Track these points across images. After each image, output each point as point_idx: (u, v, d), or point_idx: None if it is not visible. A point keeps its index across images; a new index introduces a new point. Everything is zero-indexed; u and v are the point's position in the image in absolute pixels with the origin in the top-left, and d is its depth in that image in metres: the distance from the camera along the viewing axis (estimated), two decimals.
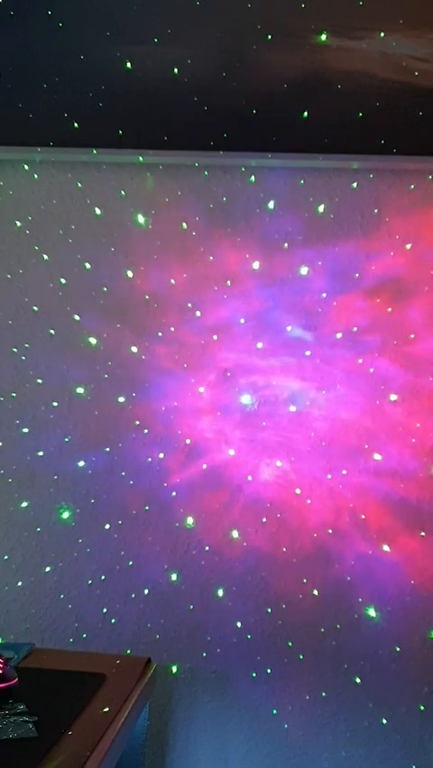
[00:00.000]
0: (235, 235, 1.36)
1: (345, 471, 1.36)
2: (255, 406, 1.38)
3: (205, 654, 1.39)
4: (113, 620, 1.40)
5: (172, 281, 1.37)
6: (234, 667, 1.39)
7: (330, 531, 1.36)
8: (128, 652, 1.38)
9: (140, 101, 1.31)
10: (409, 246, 1.34)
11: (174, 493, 1.38)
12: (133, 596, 1.39)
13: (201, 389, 1.38)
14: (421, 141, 1.29)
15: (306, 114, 1.29)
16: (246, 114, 1.30)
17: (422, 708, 1.37)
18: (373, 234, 1.35)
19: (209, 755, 1.40)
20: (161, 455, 1.38)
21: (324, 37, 1.28)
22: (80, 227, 1.38)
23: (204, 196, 1.36)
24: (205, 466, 1.38)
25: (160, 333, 1.38)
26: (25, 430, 1.40)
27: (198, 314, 1.37)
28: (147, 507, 1.39)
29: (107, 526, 1.39)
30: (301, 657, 1.38)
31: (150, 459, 1.38)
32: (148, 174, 1.37)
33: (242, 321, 1.37)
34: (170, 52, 1.29)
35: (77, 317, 1.39)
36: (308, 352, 1.36)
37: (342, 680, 1.37)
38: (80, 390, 1.39)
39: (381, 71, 1.28)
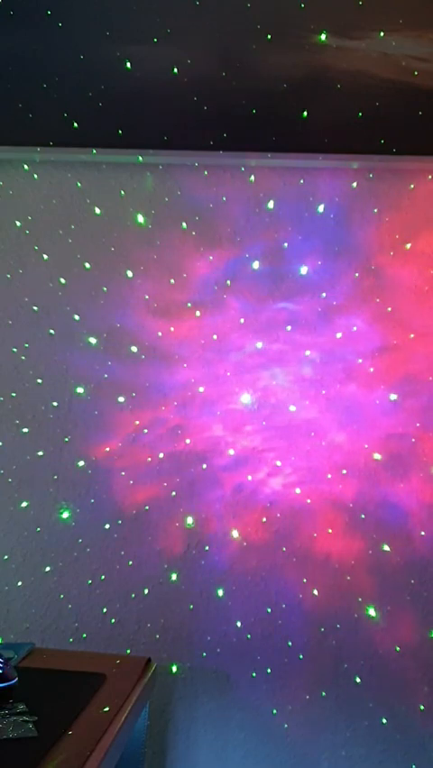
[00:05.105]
0: (235, 235, 1.36)
1: (345, 471, 1.36)
2: (255, 406, 1.38)
3: (205, 654, 1.39)
4: (113, 620, 1.39)
5: (172, 281, 1.37)
6: (234, 667, 1.39)
7: (330, 531, 1.36)
8: (128, 652, 1.38)
9: (140, 101, 1.31)
10: (409, 246, 1.34)
11: (174, 493, 1.38)
12: (133, 596, 1.39)
13: (201, 389, 1.38)
14: (421, 141, 1.29)
15: (306, 113, 1.29)
16: (246, 114, 1.30)
17: (422, 708, 1.37)
18: (372, 234, 1.35)
19: (209, 755, 1.40)
20: (161, 455, 1.38)
21: (324, 37, 1.28)
22: (80, 227, 1.38)
23: (204, 195, 1.36)
24: (205, 466, 1.38)
25: (160, 333, 1.38)
26: (25, 430, 1.40)
27: (197, 314, 1.37)
28: (147, 507, 1.39)
29: (107, 526, 1.39)
30: (301, 657, 1.38)
31: (150, 459, 1.38)
32: (148, 174, 1.37)
33: (242, 321, 1.37)
34: (170, 52, 1.29)
35: (77, 317, 1.39)
36: (307, 352, 1.36)
37: (342, 680, 1.37)
38: (80, 390, 1.39)
39: (381, 71, 1.28)
